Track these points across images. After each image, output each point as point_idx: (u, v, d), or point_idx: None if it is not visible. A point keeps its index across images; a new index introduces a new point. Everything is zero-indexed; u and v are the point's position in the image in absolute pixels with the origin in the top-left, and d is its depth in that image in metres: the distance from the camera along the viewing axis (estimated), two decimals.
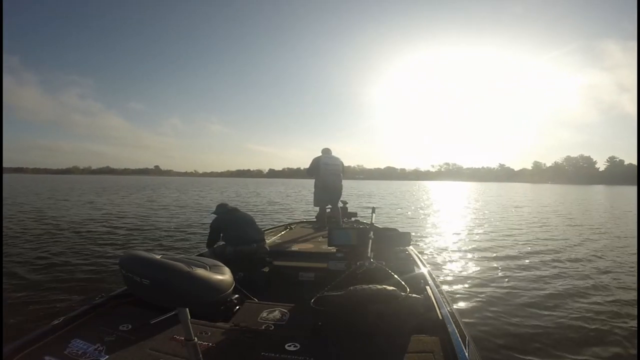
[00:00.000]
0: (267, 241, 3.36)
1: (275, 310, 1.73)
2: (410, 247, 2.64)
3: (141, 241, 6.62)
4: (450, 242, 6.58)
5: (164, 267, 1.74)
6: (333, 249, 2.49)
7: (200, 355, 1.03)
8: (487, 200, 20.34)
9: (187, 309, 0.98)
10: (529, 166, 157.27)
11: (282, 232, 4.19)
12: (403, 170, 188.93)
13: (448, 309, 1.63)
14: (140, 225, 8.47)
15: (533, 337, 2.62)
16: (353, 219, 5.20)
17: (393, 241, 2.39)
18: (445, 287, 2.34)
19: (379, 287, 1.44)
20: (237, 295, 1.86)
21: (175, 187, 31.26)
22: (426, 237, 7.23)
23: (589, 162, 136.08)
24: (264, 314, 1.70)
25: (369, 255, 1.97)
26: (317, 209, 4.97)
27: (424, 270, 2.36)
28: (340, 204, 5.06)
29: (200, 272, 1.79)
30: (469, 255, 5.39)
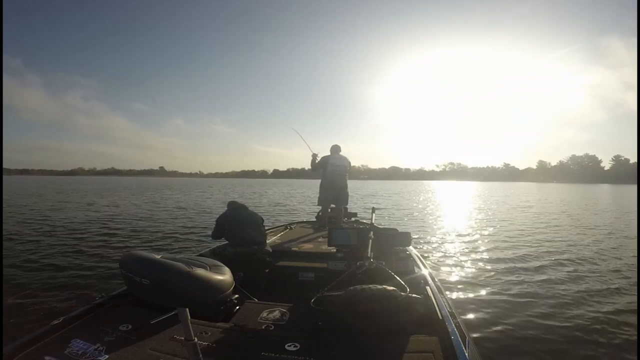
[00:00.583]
0: (267, 241, 3.36)
1: (275, 310, 1.73)
2: (410, 247, 2.64)
3: (141, 241, 6.62)
4: (451, 242, 6.58)
5: (164, 267, 1.75)
6: (333, 249, 2.49)
7: (200, 355, 1.03)
8: (492, 200, 20.23)
9: (187, 309, 0.98)
10: (534, 165, 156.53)
11: (282, 232, 4.19)
12: (407, 170, 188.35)
13: (448, 309, 1.63)
14: (140, 226, 8.48)
15: (533, 337, 2.62)
16: (353, 219, 5.20)
17: (393, 241, 2.39)
18: (445, 287, 2.34)
19: (379, 287, 1.44)
20: (237, 295, 1.86)
21: (179, 188, 31.06)
22: (428, 237, 7.22)
23: (594, 161, 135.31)
24: (264, 314, 1.70)
25: (369, 255, 1.97)
26: (318, 209, 4.98)
27: (424, 270, 2.36)
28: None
29: (200, 272, 1.80)
30: (470, 256, 5.39)
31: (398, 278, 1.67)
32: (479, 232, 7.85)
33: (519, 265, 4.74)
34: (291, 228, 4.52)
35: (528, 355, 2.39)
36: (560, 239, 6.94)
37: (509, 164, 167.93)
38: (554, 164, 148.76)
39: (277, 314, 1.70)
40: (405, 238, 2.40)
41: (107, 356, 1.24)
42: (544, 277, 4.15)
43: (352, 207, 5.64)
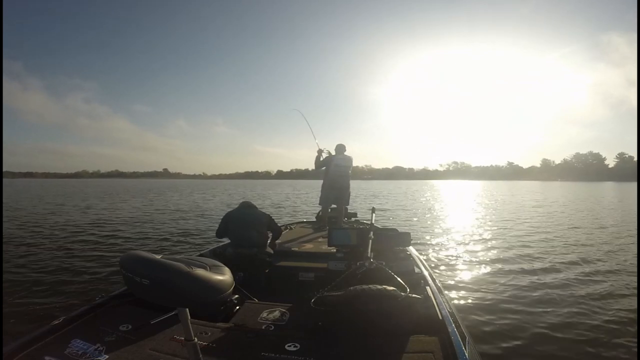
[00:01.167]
0: (267, 241, 3.36)
1: (275, 310, 1.73)
2: (410, 247, 2.64)
3: (142, 242, 6.63)
4: (452, 243, 6.56)
5: (164, 267, 1.74)
6: (333, 249, 2.49)
7: (200, 355, 1.03)
8: (496, 199, 20.06)
9: (187, 309, 0.98)
10: (538, 164, 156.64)
11: (282, 232, 4.19)
12: (411, 169, 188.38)
13: (448, 309, 1.63)
14: (141, 228, 8.48)
15: (533, 338, 2.61)
16: (353, 219, 5.19)
17: (393, 241, 2.39)
18: (445, 288, 2.34)
19: (379, 287, 1.44)
20: (237, 296, 1.86)
21: (182, 190, 30.82)
22: (429, 237, 7.22)
23: (598, 158, 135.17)
24: (264, 314, 1.70)
25: (369, 255, 1.97)
26: (319, 208, 4.97)
27: (424, 270, 2.36)
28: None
29: (200, 272, 1.79)
30: (470, 256, 5.38)
31: (398, 278, 1.68)
32: (480, 232, 7.83)
33: (519, 265, 4.74)
34: (291, 228, 4.52)
35: (528, 356, 2.39)
36: (563, 238, 6.90)
37: (512, 163, 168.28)
38: (558, 162, 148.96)
39: (277, 314, 1.70)
40: (405, 238, 2.40)
41: (107, 356, 1.24)
42: (545, 277, 4.14)
43: (353, 207, 5.64)
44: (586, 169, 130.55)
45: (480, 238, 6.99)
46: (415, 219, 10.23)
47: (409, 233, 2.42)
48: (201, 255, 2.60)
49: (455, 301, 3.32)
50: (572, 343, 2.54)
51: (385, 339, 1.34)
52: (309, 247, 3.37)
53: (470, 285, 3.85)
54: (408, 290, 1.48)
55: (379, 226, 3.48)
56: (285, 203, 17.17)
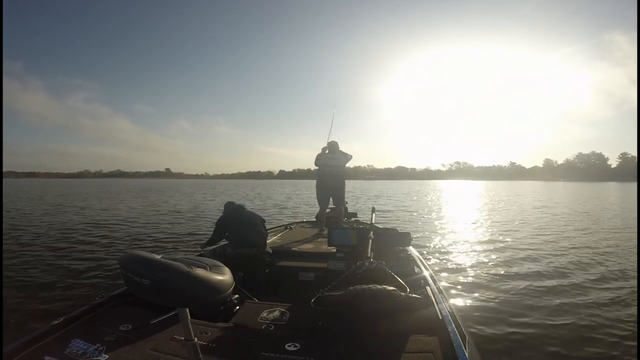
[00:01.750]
0: (268, 241, 3.36)
1: (275, 310, 1.73)
2: (411, 247, 2.64)
3: (142, 241, 6.63)
4: (454, 243, 6.56)
5: (164, 267, 1.74)
6: (333, 249, 2.49)
7: (200, 355, 1.03)
8: (498, 200, 19.94)
9: (187, 309, 0.98)
10: (541, 164, 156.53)
11: (282, 232, 4.19)
12: (413, 169, 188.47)
13: (448, 309, 1.63)
14: (141, 227, 8.48)
15: (533, 338, 2.61)
16: (353, 219, 5.19)
17: (393, 241, 2.39)
18: (445, 287, 2.34)
19: (379, 287, 1.44)
20: (237, 295, 1.86)
21: (183, 190, 30.61)
22: (431, 237, 7.22)
23: (600, 158, 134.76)
24: (264, 314, 1.70)
25: (368, 255, 1.97)
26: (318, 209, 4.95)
27: (424, 270, 2.36)
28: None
29: (200, 272, 1.79)
30: (471, 257, 5.39)
31: (398, 278, 1.67)
32: (483, 233, 7.81)
33: (520, 267, 4.73)
34: (291, 228, 4.52)
35: (528, 356, 2.39)
36: (567, 240, 6.83)
37: (515, 163, 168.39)
38: (560, 162, 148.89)
39: (277, 314, 1.70)
40: (405, 238, 2.39)
41: (107, 356, 1.24)
42: (546, 279, 4.14)
43: (352, 207, 5.62)
44: (589, 169, 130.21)
45: (483, 239, 6.97)
46: (420, 223, 10.16)
47: (409, 233, 2.42)
48: (201, 255, 2.60)
49: (455, 301, 3.32)
50: (572, 343, 2.54)
51: (385, 339, 1.34)
52: (309, 247, 3.37)
53: (470, 286, 3.85)
54: (408, 290, 1.48)
55: (379, 226, 3.48)
56: (287, 203, 17.04)
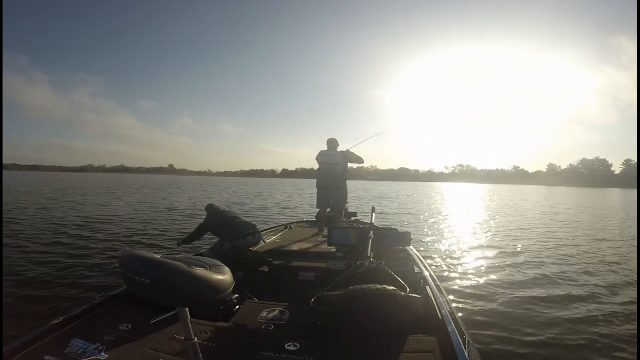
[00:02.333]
0: (267, 241, 3.36)
1: (275, 310, 1.73)
2: (411, 247, 2.64)
3: (141, 241, 6.62)
4: (453, 243, 6.57)
5: (164, 267, 1.75)
6: (333, 249, 2.49)
7: (200, 355, 1.03)
8: (502, 204, 19.60)
9: (187, 309, 0.98)
10: (544, 168, 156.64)
11: (282, 232, 4.19)
12: (417, 171, 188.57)
13: (448, 309, 1.63)
14: (141, 226, 8.48)
15: (533, 338, 2.61)
16: (353, 218, 5.19)
17: (393, 241, 2.39)
18: (445, 288, 2.33)
19: (379, 287, 1.44)
20: (237, 295, 1.86)
21: (185, 187, 30.37)
22: (432, 237, 7.22)
23: (604, 164, 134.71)
24: (264, 314, 1.70)
25: (369, 255, 1.97)
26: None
27: (424, 270, 2.36)
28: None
29: (200, 271, 1.80)
30: (471, 257, 5.39)
31: (398, 278, 1.67)
32: (486, 237, 7.78)
33: (521, 267, 4.73)
34: (291, 228, 4.51)
35: (528, 356, 2.39)
36: (568, 244, 6.78)
37: (518, 167, 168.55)
38: (564, 167, 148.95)
39: (277, 313, 1.70)
40: (405, 238, 2.39)
41: (107, 356, 1.24)
42: (547, 279, 4.14)
43: (353, 207, 5.60)
44: (592, 174, 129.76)
45: (487, 243, 6.91)
46: (426, 227, 10.12)
47: (409, 233, 2.42)
48: (201, 254, 2.60)
49: (456, 301, 3.32)
50: (572, 343, 2.54)
51: (385, 339, 1.34)
52: (309, 246, 3.37)
53: (470, 286, 3.85)
54: (408, 290, 1.48)
55: (379, 226, 3.48)
56: (289, 203, 16.76)
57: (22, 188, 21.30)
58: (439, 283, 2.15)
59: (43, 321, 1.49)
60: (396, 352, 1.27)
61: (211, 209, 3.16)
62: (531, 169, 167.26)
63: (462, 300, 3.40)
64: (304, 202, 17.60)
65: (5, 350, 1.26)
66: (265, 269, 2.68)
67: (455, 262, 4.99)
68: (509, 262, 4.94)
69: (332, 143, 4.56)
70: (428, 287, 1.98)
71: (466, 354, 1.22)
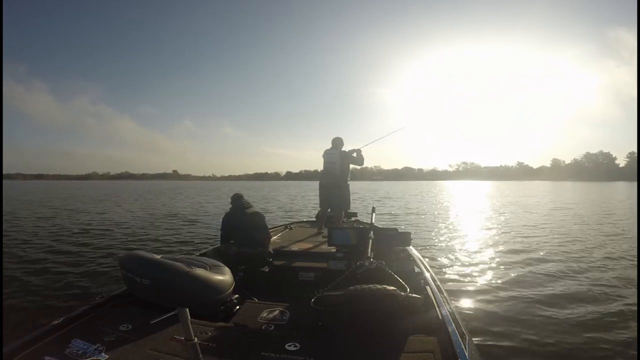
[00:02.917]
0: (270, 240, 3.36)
1: (275, 310, 1.73)
2: (411, 247, 2.64)
3: (141, 242, 6.63)
4: (454, 243, 6.56)
5: (164, 267, 1.75)
6: (333, 249, 2.49)
7: (200, 355, 1.03)
8: (506, 200, 19.40)
9: (187, 309, 0.98)
10: (548, 164, 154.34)
11: (282, 232, 4.19)
12: (420, 170, 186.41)
13: (448, 309, 1.63)
14: (141, 227, 8.49)
15: (533, 338, 2.61)
16: (353, 218, 5.18)
17: (393, 241, 2.39)
18: (445, 287, 2.33)
19: (379, 287, 1.44)
20: (237, 295, 1.86)
21: (188, 193, 30.06)
22: (432, 238, 7.21)
23: (608, 158, 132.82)
24: (264, 314, 1.70)
25: (369, 255, 1.97)
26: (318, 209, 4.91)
27: (424, 270, 2.36)
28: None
29: (200, 272, 1.80)
30: (471, 257, 5.38)
31: (398, 278, 1.67)
32: (484, 233, 7.76)
33: (521, 266, 4.72)
34: (291, 228, 4.51)
35: (528, 356, 2.39)
36: (570, 242, 6.65)
37: (522, 163, 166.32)
38: (568, 162, 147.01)
39: (277, 313, 1.70)
40: (405, 238, 2.39)
41: (107, 356, 1.24)
42: (547, 279, 4.12)
43: (353, 207, 5.55)
44: (597, 168, 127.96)
45: (485, 240, 6.91)
46: (433, 231, 10.11)
47: (409, 233, 2.42)
48: (202, 255, 2.60)
49: (456, 301, 3.32)
50: (573, 344, 2.53)
51: (385, 339, 1.34)
52: (309, 247, 3.37)
53: (471, 286, 3.85)
54: (408, 290, 1.48)
55: (379, 226, 3.48)
56: (291, 206, 16.42)
57: (23, 197, 21.25)
58: (439, 283, 2.16)
59: (43, 321, 1.49)
60: (396, 352, 1.27)
61: (235, 203, 2.91)
62: (535, 164, 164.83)
63: (462, 300, 3.40)
64: (308, 203, 17.42)
65: (6, 350, 1.26)
66: (266, 269, 2.68)
67: (456, 262, 4.98)
68: (513, 261, 4.91)
69: (336, 142, 4.56)
70: (428, 287, 1.98)
71: (466, 354, 1.22)
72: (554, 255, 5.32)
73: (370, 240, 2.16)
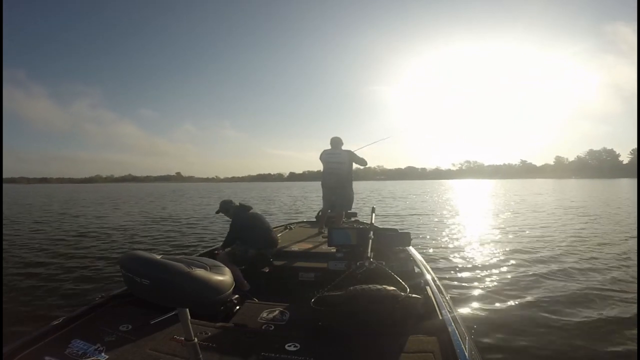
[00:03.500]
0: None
1: (275, 310, 1.73)
2: (411, 247, 2.64)
3: (141, 242, 6.63)
4: (456, 243, 6.54)
5: (164, 267, 1.75)
6: (333, 249, 2.49)
7: (200, 355, 1.03)
8: (510, 199, 19.02)
9: (187, 309, 0.98)
10: (551, 161, 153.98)
11: (282, 232, 4.19)
12: (424, 169, 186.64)
13: (448, 309, 1.63)
14: (141, 228, 8.49)
15: (534, 338, 2.60)
16: (353, 218, 5.18)
17: (393, 241, 2.39)
18: (445, 288, 2.33)
19: (379, 287, 1.44)
20: (237, 295, 1.86)
21: (190, 195, 29.78)
22: (433, 237, 7.20)
23: (612, 155, 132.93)
24: (264, 314, 1.70)
25: (368, 255, 1.97)
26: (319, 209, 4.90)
27: (424, 270, 2.36)
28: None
29: (200, 272, 1.81)
30: (471, 256, 5.37)
31: (398, 278, 1.68)
32: (484, 233, 7.72)
33: (522, 266, 4.70)
34: (291, 228, 4.52)
35: (529, 356, 2.39)
36: (571, 240, 6.60)
37: (525, 161, 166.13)
38: (571, 159, 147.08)
39: (277, 314, 1.70)
40: (405, 238, 2.39)
41: (107, 356, 1.24)
42: (547, 278, 4.10)
43: (355, 207, 5.53)
44: (600, 165, 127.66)
45: (485, 240, 6.85)
46: (436, 232, 10.04)
47: (409, 233, 2.42)
48: (202, 255, 2.61)
49: (456, 301, 3.31)
50: (573, 344, 2.53)
51: (385, 339, 1.34)
52: (309, 247, 3.37)
53: (470, 286, 3.84)
54: (408, 290, 1.48)
55: (379, 226, 3.48)
56: (293, 207, 16.13)
57: (27, 200, 21.21)
58: (439, 283, 2.16)
59: (43, 321, 1.49)
60: (396, 352, 1.27)
61: (240, 209, 2.99)
62: (538, 162, 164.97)
63: (462, 300, 3.39)
64: (312, 203, 17.22)
65: (6, 350, 1.26)
66: (266, 269, 2.69)
67: (458, 261, 4.97)
68: (516, 261, 4.88)
69: (336, 141, 4.52)
70: (428, 287, 1.98)
71: (466, 354, 1.22)
72: (561, 257, 5.18)
73: (370, 241, 2.16)
